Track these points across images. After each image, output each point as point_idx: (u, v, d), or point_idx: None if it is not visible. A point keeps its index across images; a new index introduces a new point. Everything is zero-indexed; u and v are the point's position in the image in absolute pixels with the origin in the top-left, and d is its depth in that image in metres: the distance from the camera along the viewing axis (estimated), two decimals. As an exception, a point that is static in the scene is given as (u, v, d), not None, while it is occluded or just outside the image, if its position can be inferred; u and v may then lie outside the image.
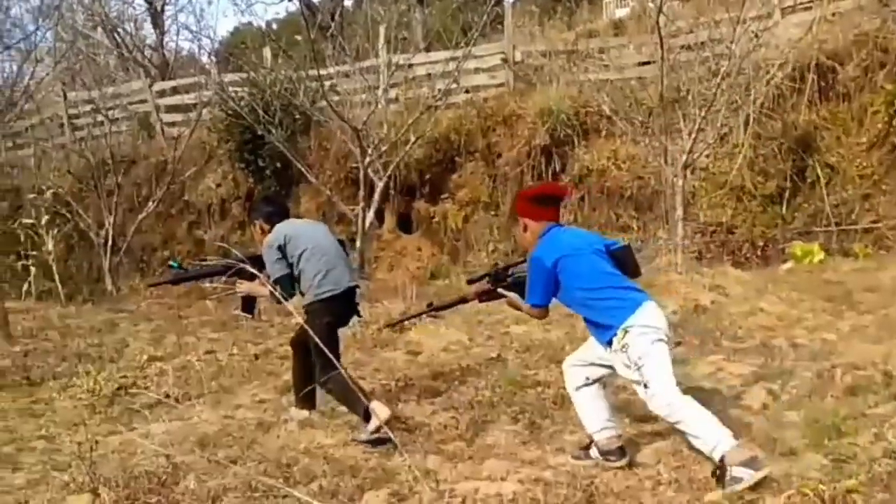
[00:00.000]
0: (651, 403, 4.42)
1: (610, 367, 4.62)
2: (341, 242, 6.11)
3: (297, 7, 26.28)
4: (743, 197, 11.40)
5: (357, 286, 5.92)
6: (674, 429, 4.50)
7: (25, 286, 13.71)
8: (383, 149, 12.42)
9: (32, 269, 13.81)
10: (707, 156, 11.05)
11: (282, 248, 5.68)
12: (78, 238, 16.02)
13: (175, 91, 18.12)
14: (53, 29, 16.90)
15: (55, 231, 14.44)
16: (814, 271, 9.73)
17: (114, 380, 7.05)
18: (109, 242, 14.94)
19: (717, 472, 4.11)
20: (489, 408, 5.79)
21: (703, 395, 5.71)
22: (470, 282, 5.46)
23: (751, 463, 4.08)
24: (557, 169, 12.79)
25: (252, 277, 5.68)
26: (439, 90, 12.83)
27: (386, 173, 12.51)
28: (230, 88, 15.02)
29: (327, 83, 13.12)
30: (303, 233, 5.85)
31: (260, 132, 13.51)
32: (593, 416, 4.70)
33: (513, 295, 4.97)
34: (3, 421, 6.52)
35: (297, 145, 13.95)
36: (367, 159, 12.19)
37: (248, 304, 6.11)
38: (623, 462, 4.55)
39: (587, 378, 4.74)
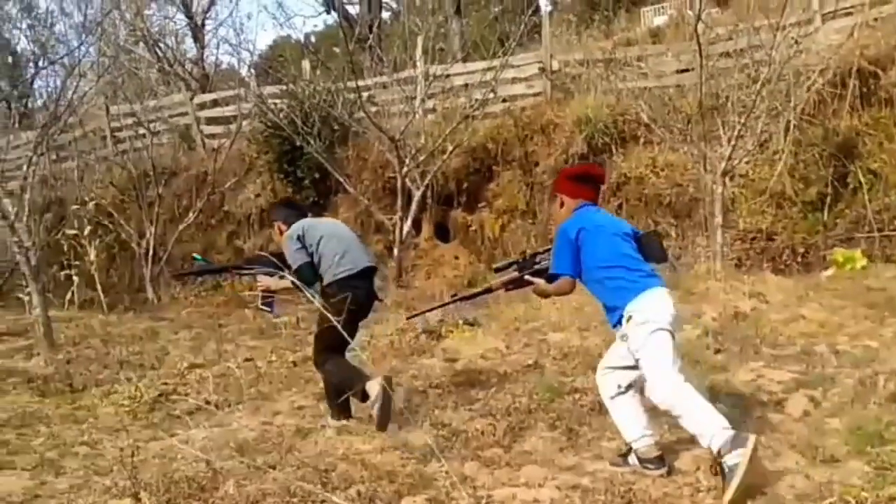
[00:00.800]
0: (653, 396, 4.48)
1: (635, 366, 4.58)
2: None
3: (336, 20, 26.60)
4: (783, 203, 11.28)
5: (375, 267, 6.12)
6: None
7: (69, 295, 13.88)
8: (420, 158, 12.48)
9: (75, 278, 13.98)
10: (747, 162, 10.94)
11: (301, 238, 5.86)
12: (120, 248, 16.19)
13: (215, 104, 18.30)
14: (96, 44, 17.13)
15: (98, 241, 14.62)
16: (855, 278, 9.59)
17: (154, 387, 7.11)
18: (150, 252, 15.09)
19: (715, 467, 4.17)
20: (526, 414, 5.75)
21: (742, 403, 5.69)
22: (497, 270, 5.45)
23: (737, 442, 4.10)
24: (595, 177, 12.75)
25: (271, 274, 5.88)
26: (476, 100, 12.87)
27: (423, 182, 12.55)
28: (269, 100, 15.16)
29: (365, 94, 13.22)
30: (319, 224, 6.15)
31: (298, 143, 13.63)
32: (631, 423, 4.66)
33: (539, 281, 4.96)
34: (47, 427, 6.56)
35: (335, 156, 14.03)
36: (405, 169, 12.25)
37: (268, 300, 6.24)
38: (662, 470, 4.52)
39: (619, 386, 4.69)
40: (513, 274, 5.17)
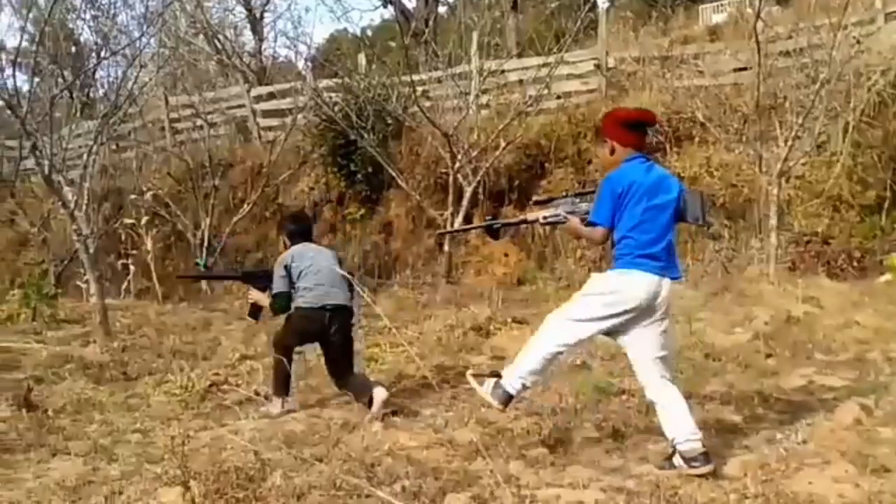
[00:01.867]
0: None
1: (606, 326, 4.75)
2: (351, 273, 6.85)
3: (392, 14, 26.69)
4: (840, 206, 11.10)
5: (346, 307, 6.55)
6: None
7: (125, 284, 14.13)
8: (473, 154, 12.48)
9: (132, 267, 14.24)
10: (803, 164, 10.79)
11: (287, 268, 6.46)
12: (175, 238, 16.38)
13: (272, 96, 18.48)
14: (157, 35, 17.34)
15: (154, 231, 14.86)
16: (912, 284, 9.45)
17: (206, 377, 7.20)
18: (205, 243, 15.25)
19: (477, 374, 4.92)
20: (572, 414, 5.75)
21: (793, 409, 5.64)
22: (536, 203, 5.46)
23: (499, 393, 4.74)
24: (649, 176, 12.63)
25: (263, 288, 6.65)
26: (531, 96, 12.83)
27: (475, 178, 12.55)
28: (325, 94, 15.24)
29: (419, 89, 13.24)
30: (308, 255, 6.56)
31: (353, 137, 13.70)
32: (676, 422, 4.65)
33: (574, 220, 4.94)
34: (101, 414, 6.68)
35: (388, 150, 14.08)
36: (457, 164, 12.27)
37: (255, 310, 6.83)
38: (708, 468, 4.47)
39: (662, 376, 4.75)
40: (551, 209, 5.13)
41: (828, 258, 10.67)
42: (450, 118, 12.90)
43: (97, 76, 20.07)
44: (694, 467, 4.47)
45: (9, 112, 10.39)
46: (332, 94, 15.10)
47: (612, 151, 4.88)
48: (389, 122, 14.24)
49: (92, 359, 8.60)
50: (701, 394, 6.13)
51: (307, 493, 4.38)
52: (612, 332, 4.80)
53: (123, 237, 14.97)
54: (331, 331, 6.42)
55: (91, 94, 22.50)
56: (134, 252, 14.71)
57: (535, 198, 5.77)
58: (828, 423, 5.28)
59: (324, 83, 16.26)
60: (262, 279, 6.74)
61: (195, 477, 4.55)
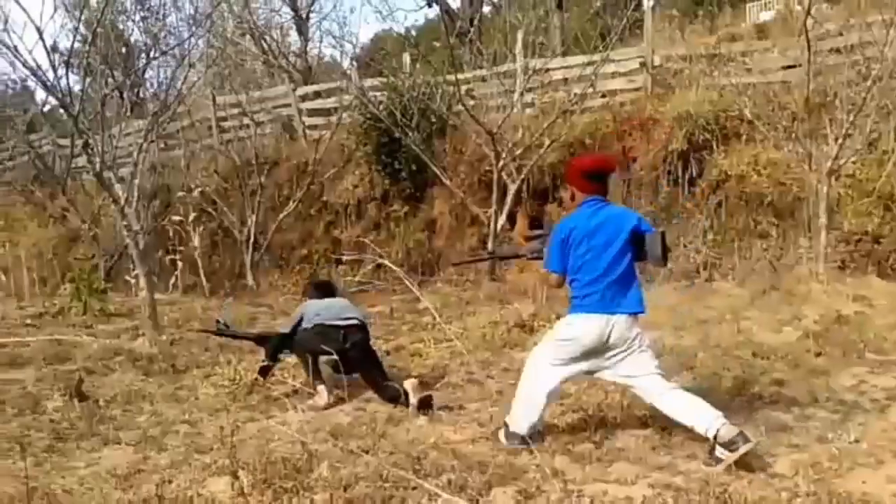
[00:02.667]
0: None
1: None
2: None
3: (437, 14, 26.75)
4: (891, 205, 10.88)
5: (362, 324, 6.89)
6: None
7: (172, 279, 14.30)
8: (517, 152, 12.45)
9: (179, 263, 14.41)
10: (854, 162, 10.62)
11: (301, 316, 6.89)
12: (222, 235, 16.54)
13: (317, 95, 18.58)
14: (205, 36, 17.52)
15: (201, 228, 15.05)
16: (965, 284, 9.28)
17: (253, 370, 7.24)
18: (251, 240, 15.41)
19: (497, 429, 5.22)
20: (619, 411, 5.73)
21: (844, 408, 5.56)
22: (528, 238, 5.81)
23: (515, 438, 5.07)
24: (694, 174, 12.51)
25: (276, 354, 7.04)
26: (575, 94, 12.78)
27: (519, 177, 12.53)
28: (370, 93, 15.30)
29: (464, 87, 13.23)
30: (322, 303, 7.03)
31: (397, 135, 13.73)
32: (696, 413, 4.77)
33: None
34: (151, 405, 6.82)
35: (432, 148, 14.09)
36: (501, 163, 12.25)
37: (265, 369, 7.02)
38: (749, 445, 4.51)
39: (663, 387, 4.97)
40: (539, 245, 5.58)
41: (878, 258, 10.48)
42: (494, 116, 12.89)
43: (146, 76, 20.41)
44: (736, 450, 4.51)
45: (62, 111, 10.56)
46: (377, 93, 15.15)
47: (573, 197, 5.26)
48: (434, 120, 14.26)
49: (141, 351, 8.76)
50: (750, 392, 6.08)
51: (353, 485, 4.42)
52: (593, 372, 5.16)
53: (171, 234, 15.14)
54: (346, 345, 6.57)
55: (141, 94, 22.83)
56: (181, 248, 14.89)
57: (527, 233, 6.14)
58: (880, 423, 5.23)
59: (369, 82, 16.33)
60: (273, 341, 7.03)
61: (243, 467, 4.63)
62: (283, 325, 7.18)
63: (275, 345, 6.94)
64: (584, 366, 5.06)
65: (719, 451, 4.59)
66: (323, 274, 14.92)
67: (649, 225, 5.20)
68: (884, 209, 10.84)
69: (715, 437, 4.61)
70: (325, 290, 7.44)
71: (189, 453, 5.35)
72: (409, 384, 6.29)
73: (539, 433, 5.18)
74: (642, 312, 5.05)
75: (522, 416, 5.08)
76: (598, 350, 4.97)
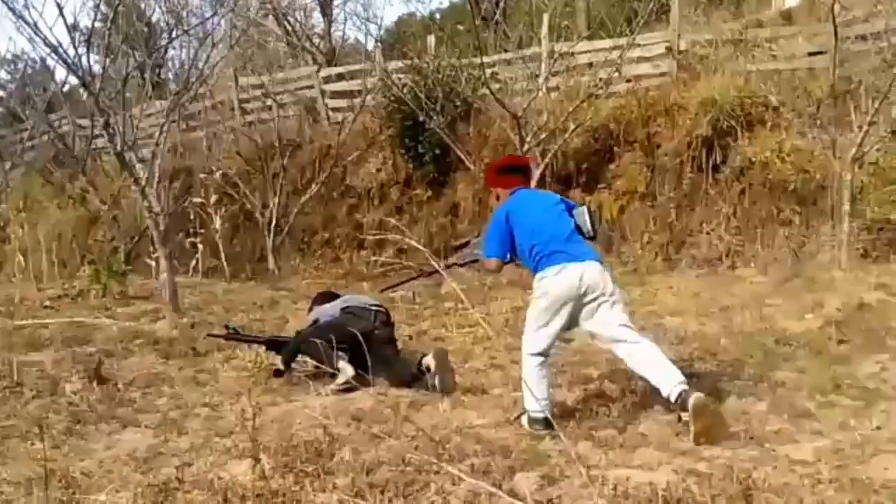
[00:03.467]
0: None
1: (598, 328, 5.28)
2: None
3: (462, -4, 26.62)
4: (915, 194, 10.83)
5: (386, 310, 7.15)
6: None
7: (193, 262, 14.35)
8: (542, 136, 12.42)
9: (200, 246, 14.45)
10: (878, 150, 10.54)
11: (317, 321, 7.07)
12: (244, 218, 16.52)
13: (341, 77, 18.49)
14: (228, 16, 17.55)
15: (223, 210, 15.05)
16: None
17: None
18: (273, 223, 15.38)
19: (518, 415, 5.29)
20: (642, 396, 5.73)
21: (866, 395, 5.55)
22: (455, 248, 6.08)
23: (539, 423, 5.09)
24: (718, 160, 12.43)
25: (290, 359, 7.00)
26: (601, 79, 12.72)
27: (543, 161, 12.50)
28: (394, 75, 15.26)
29: (489, 71, 13.21)
30: (336, 302, 7.23)
31: (421, 118, 13.71)
32: (661, 373, 5.02)
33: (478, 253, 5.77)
34: (171, 388, 6.78)
35: (456, 132, 14.06)
36: (525, 147, 12.23)
37: (279, 372, 6.99)
38: (696, 396, 4.82)
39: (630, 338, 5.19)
40: (467, 251, 5.89)
41: (901, 246, 10.43)
42: (519, 100, 12.87)
43: (168, 56, 20.44)
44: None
45: (82, 91, 10.59)
46: (401, 76, 15.11)
47: (498, 198, 5.58)
48: (458, 104, 14.22)
49: (161, 334, 8.78)
50: (772, 379, 6.07)
51: (376, 469, 4.43)
52: (572, 326, 5.34)
53: (192, 216, 15.16)
54: (376, 324, 6.83)
55: (162, 75, 22.86)
56: (202, 231, 14.91)
57: (453, 243, 6.37)
58: (903, 411, 5.20)
59: (393, 65, 16.27)
60: (284, 346, 7.07)
61: (265, 450, 4.62)
62: (299, 331, 7.28)
63: (291, 351, 6.95)
64: (563, 320, 5.20)
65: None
66: (345, 258, 14.98)
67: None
68: (907, 198, 10.76)
69: (677, 401, 4.88)
70: (330, 300, 7.51)
71: (209, 437, 5.33)
72: (431, 360, 6.34)
73: (550, 405, 5.27)
74: (600, 261, 5.31)
75: (532, 396, 5.12)
76: (575, 300, 5.13)
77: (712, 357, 6.76)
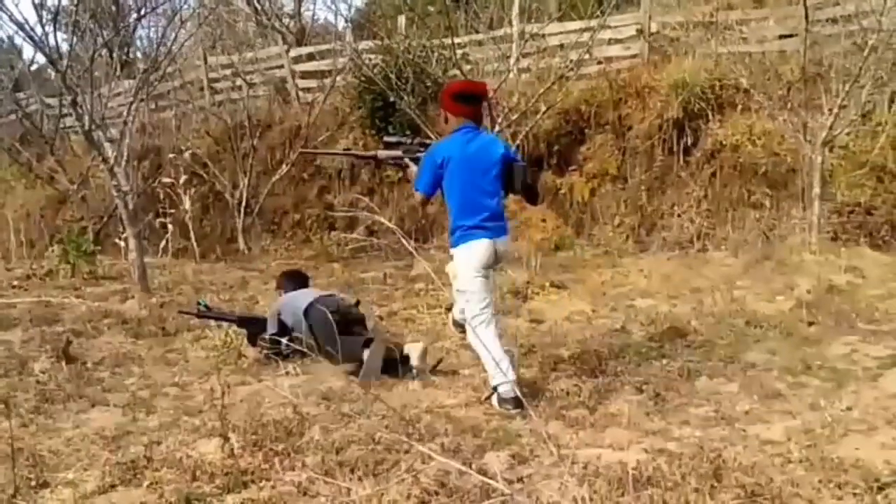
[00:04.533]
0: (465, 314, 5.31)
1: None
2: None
3: (432, -24, 26.48)
4: (884, 177, 10.89)
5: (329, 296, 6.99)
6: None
7: (163, 243, 14.20)
8: (513, 118, 12.38)
9: (170, 226, 14.28)
10: (848, 133, 10.61)
11: (279, 313, 6.82)
12: (213, 198, 16.43)
13: (311, 57, 18.32)
14: (197, -6, 17.37)
15: (192, 191, 14.88)
16: (957, 255, 9.32)
17: (244, 334, 7.22)
18: (243, 204, 15.31)
19: (489, 395, 5.21)
20: (612, 377, 5.74)
21: (836, 376, 5.58)
22: (386, 144, 6.06)
23: (509, 402, 5.04)
24: (689, 143, 12.48)
25: (257, 333, 6.92)
26: (572, 61, 12.69)
27: (514, 143, 12.46)
28: (364, 56, 15.15)
29: (459, 52, 13.14)
30: (300, 295, 6.97)
31: (392, 99, 13.62)
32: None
33: (413, 170, 5.60)
34: (140, 367, 6.71)
35: (427, 113, 13.98)
36: (497, 128, 12.18)
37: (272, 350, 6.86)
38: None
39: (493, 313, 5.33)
40: (397, 152, 5.86)
41: (870, 229, 10.52)
42: (490, 82, 12.80)
43: (137, 35, 20.16)
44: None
45: (50, 70, 10.43)
46: (372, 56, 15.00)
47: (446, 121, 5.45)
48: (429, 84, 14.12)
49: (130, 314, 8.67)
50: (743, 360, 6.10)
51: (345, 448, 4.41)
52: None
53: (162, 196, 14.97)
54: (350, 307, 6.86)
55: (131, 54, 22.56)
56: (172, 211, 14.74)
57: (386, 138, 6.31)
58: (872, 391, 5.24)
59: (363, 45, 16.15)
60: (256, 324, 7.00)
61: (234, 429, 4.60)
62: (269, 326, 6.97)
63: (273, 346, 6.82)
64: (481, 281, 5.27)
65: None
66: (316, 240, 14.91)
67: (516, 156, 5.57)
68: (876, 181, 10.87)
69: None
70: (298, 279, 7.48)
71: (178, 415, 5.28)
72: (413, 348, 6.24)
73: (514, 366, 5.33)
74: (506, 237, 5.43)
75: (494, 368, 5.13)
76: (487, 268, 5.27)
77: (683, 339, 6.77)
